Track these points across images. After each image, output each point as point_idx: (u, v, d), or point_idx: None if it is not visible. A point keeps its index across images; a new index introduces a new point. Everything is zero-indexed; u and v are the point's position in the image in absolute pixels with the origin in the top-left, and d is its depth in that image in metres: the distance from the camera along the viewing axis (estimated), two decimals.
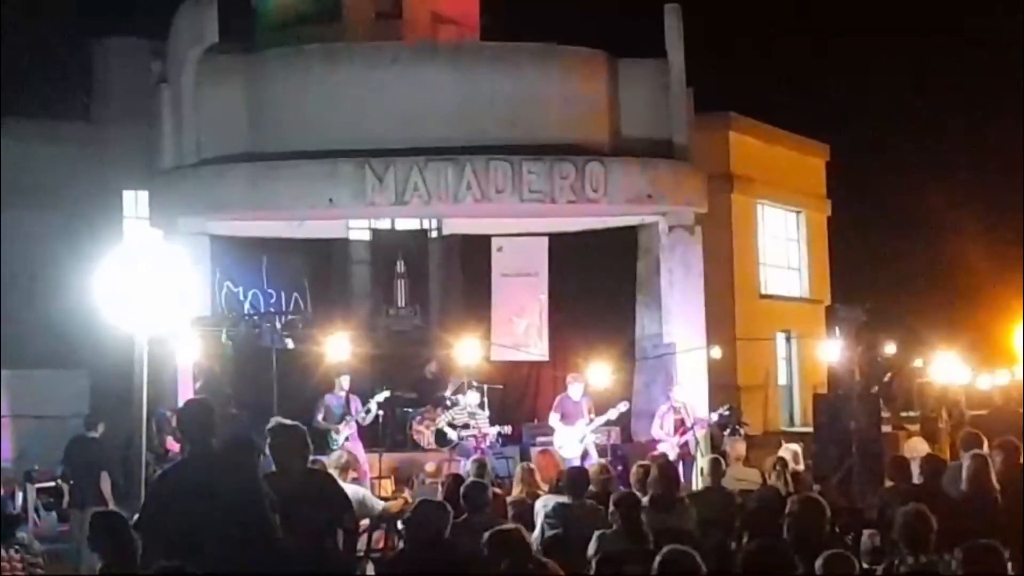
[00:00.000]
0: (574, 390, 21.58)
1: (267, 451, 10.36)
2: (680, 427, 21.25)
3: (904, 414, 33.55)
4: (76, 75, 27.77)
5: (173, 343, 19.69)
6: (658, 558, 7.91)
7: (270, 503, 9.18)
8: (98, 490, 17.97)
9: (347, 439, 20.63)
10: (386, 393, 21.82)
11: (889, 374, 32.09)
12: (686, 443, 21.15)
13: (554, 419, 21.54)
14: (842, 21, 53.35)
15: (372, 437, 21.96)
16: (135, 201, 25.92)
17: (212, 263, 22.37)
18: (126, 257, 13.84)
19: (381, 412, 21.78)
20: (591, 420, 21.33)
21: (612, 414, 21.52)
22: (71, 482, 18.90)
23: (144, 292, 13.40)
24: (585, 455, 20.77)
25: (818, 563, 8.49)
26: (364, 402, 21.46)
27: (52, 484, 20.86)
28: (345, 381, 21.44)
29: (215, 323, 21.07)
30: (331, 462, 14.95)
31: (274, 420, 10.87)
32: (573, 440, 21.15)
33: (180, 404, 20.19)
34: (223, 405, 20.42)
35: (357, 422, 21.15)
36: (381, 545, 15.09)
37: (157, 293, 13.49)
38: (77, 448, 18.53)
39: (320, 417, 20.83)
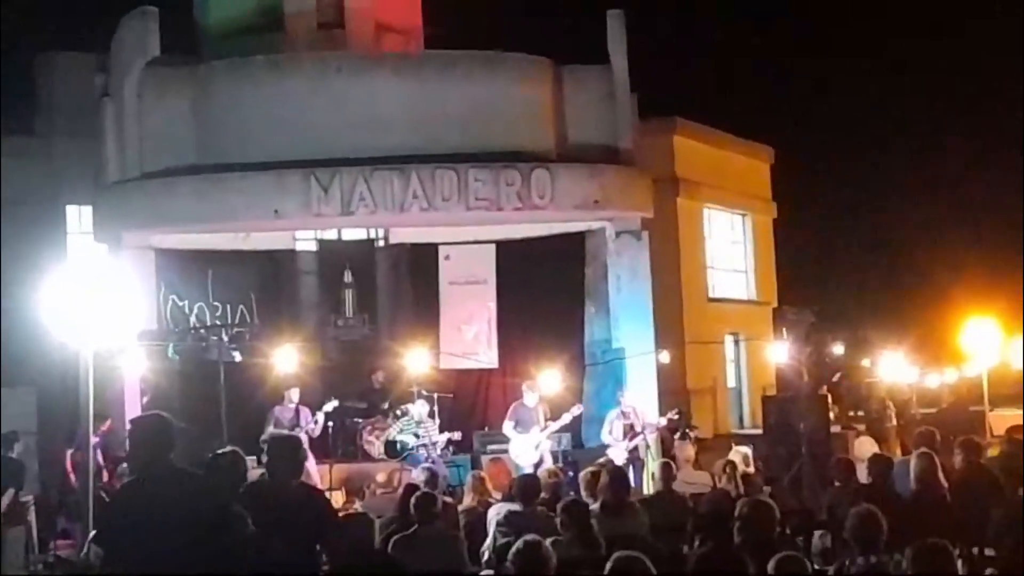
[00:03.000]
0: (529, 398, 21.56)
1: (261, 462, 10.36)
2: (629, 432, 21.26)
3: (852, 414, 33.78)
4: (20, 89, 27.56)
5: (119, 358, 19.58)
6: (609, 564, 7.91)
7: (239, 518, 9.18)
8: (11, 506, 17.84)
9: None
10: (334, 403, 21.78)
11: (838, 374, 32.31)
12: (636, 448, 21.16)
13: (508, 427, 21.52)
14: (785, 24, 53.66)
15: (322, 448, 21.89)
16: (79, 216, 25.74)
17: (157, 277, 22.21)
18: (71, 272, 13.76)
19: (330, 423, 21.72)
20: (546, 426, 21.33)
21: (566, 418, 21.55)
22: None
23: (89, 307, 13.33)
24: (541, 462, 20.75)
25: (770, 565, 8.53)
26: (313, 413, 21.41)
27: None
28: (295, 394, 21.38)
29: (161, 337, 20.94)
30: None
31: (270, 432, 10.88)
32: (528, 447, 21.15)
33: (127, 419, 20.30)
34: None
35: (307, 433, 21.07)
36: None
37: (102, 308, 13.41)
38: None
39: (270, 430, 20.75)
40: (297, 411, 21.34)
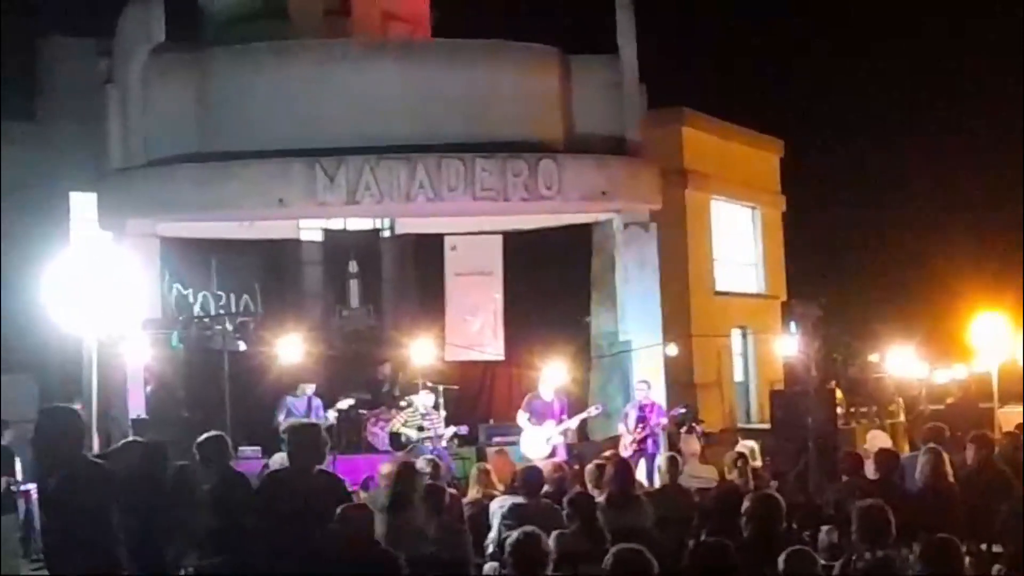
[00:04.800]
0: (545, 390, 21.43)
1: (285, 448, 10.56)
2: (639, 424, 21.14)
3: (863, 409, 33.63)
4: (21, 75, 27.40)
5: (122, 346, 19.51)
6: (608, 557, 7.82)
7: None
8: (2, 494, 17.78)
9: None
10: (349, 401, 21.84)
11: (850, 368, 32.17)
12: (644, 439, 21.03)
13: (522, 418, 21.38)
14: (795, 15, 53.51)
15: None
16: (82, 203, 25.61)
17: (161, 265, 22.11)
18: (74, 259, 13.71)
19: (335, 413, 21.71)
20: (561, 421, 21.21)
21: (583, 416, 21.51)
22: None
23: (93, 294, 13.28)
24: (553, 455, 20.59)
25: (780, 560, 8.45)
26: (327, 407, 21.38)
27: None
28: (309, 388, 21.39)
29: (165, 326, 20.85)
30: None
31: (294, 420, 11.12)
32: (540, 440, 21.03)
33: (129, 409, 20.29)
34: (175, 408, 20.32)
35: None
36: None
37: (106, 295, 13.37)
38: None
39: (281, 418, 20.68)
40: (309, 402, 21.30)
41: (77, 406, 20.55)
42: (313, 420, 20.65)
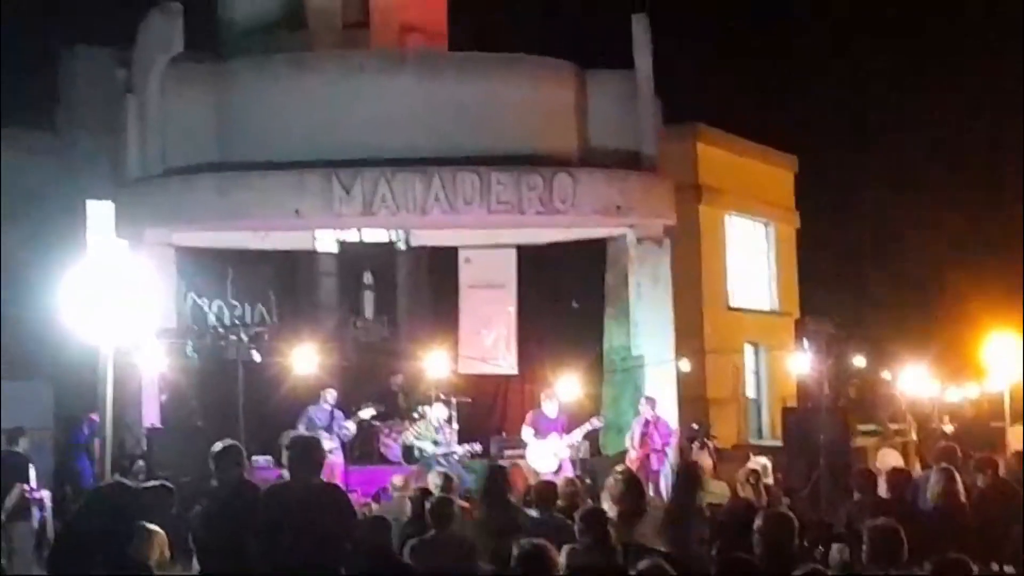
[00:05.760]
0: (549, 407, 21.42)
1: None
2: (643, 441, 21.10)
3: (872, 427, 33.55)
4: (41, 84, 27.50)
5: (138, 355, 19.57)
6: (633, 573, 7.87)
7: None
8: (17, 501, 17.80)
9: (331, 452, 20.38)
10: (371, 411, 21.91)
11: (857, 385, 32.05)
12: (647, 456, 20.97)
13: (527, 433, 21.39)
14: (810, 32, 53.49)
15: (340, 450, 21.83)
16: (99, 211, 25.68)
17: (177, 274, 22.18)
18: (91, 268, 13.77)
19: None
20: (563, 436, 21.22)
21: (585, 428, 21.48)
22: None
23: (109, 303, 13.32)
24: (560, 469, 20.61)
25: None
26: (348, 416, 21.40)
27: None
28: (331, 395, 21.41)
29: (180, 335, 20.90)
30: None
31: (291, 432, 11.18)
32: (547, 454, 21.03)
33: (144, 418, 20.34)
34: (189, 418, 20.38)
35: (339, 436, 21.04)
36: None
37: (122, 304, 13.41)
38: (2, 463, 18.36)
39: (303, 428, 20.67)
40: (332, 413, 21.29)
41: (92, 415, 20.94)
42: (333, 431, 20.84)
